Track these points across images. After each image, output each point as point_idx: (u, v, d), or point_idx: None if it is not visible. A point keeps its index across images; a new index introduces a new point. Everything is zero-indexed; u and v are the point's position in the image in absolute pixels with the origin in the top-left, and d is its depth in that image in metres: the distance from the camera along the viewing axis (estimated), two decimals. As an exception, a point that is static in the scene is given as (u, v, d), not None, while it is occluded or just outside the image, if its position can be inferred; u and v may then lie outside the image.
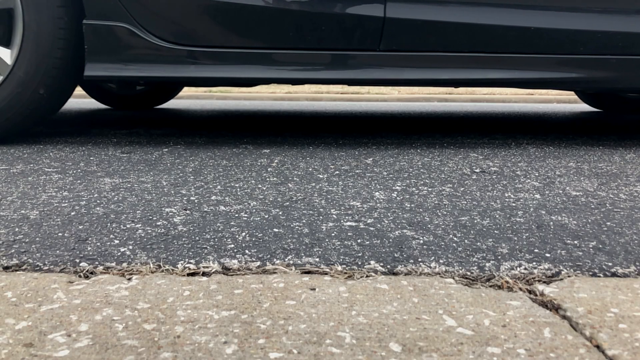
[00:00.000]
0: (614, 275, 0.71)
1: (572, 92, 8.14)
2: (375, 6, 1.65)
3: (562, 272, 0.71)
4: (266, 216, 0.95)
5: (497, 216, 0.96)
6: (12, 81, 1.62)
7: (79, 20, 1.64)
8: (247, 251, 0.77)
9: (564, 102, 7.46)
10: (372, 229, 0.88)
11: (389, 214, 0.97)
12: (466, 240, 0.83)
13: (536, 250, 0.79)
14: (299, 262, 0.73)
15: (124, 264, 0.72)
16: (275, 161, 1.52)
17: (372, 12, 1.65)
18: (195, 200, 1.05)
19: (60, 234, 0.84)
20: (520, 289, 0.65)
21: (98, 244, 0.80)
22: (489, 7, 1.69)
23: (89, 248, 0.78)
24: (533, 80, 1.77)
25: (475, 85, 1.82)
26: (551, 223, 0.92)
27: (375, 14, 1.65)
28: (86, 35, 1.61)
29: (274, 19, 1.64)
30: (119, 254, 0.76)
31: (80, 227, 0.88)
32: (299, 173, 1.34)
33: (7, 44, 1.64)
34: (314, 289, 0.64)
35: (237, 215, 0.95)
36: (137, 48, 1.64)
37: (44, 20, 1.60)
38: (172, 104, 5.48)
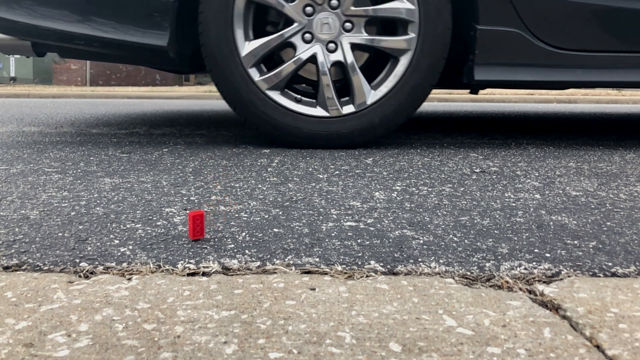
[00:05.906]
0: (614, 275, 0.71)
1: (572, 92, 8.11)
2: None
3: (562, 272, 0.71)
4: (266, 216, 0.95)
5: (497, 216, 0.96)
6: (408, 82, 1.69)
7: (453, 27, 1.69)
8: (247, 251, 0.77)
9: (563, 102, 7.45)
10: (372, 229, 0.88)
11: (389, 214, 0.97)
12: (466, 240, 0.83)
13: (536, 250, 0.79)
14: (299, 262, 0.73)
15: (124, 264, 0.72)
16: (275, 161, 1.52)
17: None
18: (195, 200, 1.05)
19: (60, 234, 0.84)
20: (520, 289, 0.65)
21: (98, 244, 0.80)
22: None
23: (89, 248, 0.78)
24: None
25: None
26: (551, 223, 0.92)
27: None
28: (479, 40, 1.66)
29: None
30: (119, 254, 0.76)
31: (80, 227, 0.88)
32: (299, 173, 1.34)
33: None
34: (314, 289, 0.64)
35: (237, 215, 0.95)
36: (526, 53, 1.70)
37: (439, 29, 1.65)
38: (174, 104, 5.50)
